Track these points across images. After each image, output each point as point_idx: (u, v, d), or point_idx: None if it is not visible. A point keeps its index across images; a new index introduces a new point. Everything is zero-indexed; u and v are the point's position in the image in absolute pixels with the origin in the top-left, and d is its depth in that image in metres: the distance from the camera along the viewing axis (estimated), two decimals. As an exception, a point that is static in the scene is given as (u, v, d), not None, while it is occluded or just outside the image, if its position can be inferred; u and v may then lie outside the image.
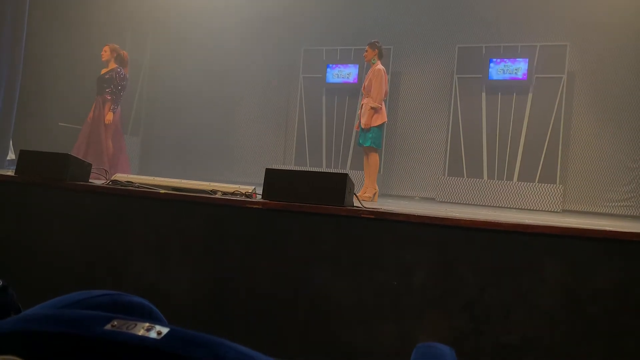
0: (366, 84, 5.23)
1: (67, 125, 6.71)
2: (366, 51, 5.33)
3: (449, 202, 7.45)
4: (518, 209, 7.13)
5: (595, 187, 7.39)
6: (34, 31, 5.86)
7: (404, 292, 2.09)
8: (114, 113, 5.30)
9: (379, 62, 5.26)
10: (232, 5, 8.36)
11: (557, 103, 7.38)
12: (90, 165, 2.99)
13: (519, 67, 7.61)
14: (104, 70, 5.50)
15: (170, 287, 2.44)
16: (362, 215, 2.20)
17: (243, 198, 2.50)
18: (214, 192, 2.60)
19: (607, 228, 2.02)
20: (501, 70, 7.71)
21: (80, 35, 6.65)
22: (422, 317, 2.06)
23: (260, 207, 2.34)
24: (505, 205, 7.33)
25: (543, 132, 7.43)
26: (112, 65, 5.45)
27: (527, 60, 7.54)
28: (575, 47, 7.44)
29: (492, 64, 7.74)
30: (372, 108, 5.06)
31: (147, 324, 0.62)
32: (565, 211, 7.19)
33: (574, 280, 1.90)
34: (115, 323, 0.61)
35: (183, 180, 2.84)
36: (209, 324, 2.36)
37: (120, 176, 2.90)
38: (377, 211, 2.22)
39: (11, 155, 5.53)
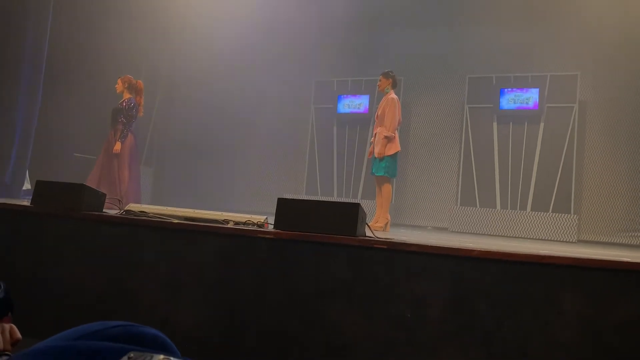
0: (379, 112, 5.24)
1: (82, 156, 6.81)
2: (380, 80, 5.37)
3: (462, 232, 7.37)
4: (532, 239, 7.02)
5: (610, 217, 7.27)
6: (52, 63, 6.02)
7: (419, 325, 2.05)
8: (122, 142, 5.35)
9: (392, 91, 5.29)
10: (245, 39, 8.54)
11: (569, 132, 7.35)
12: (104, 195, 3.02)
13: (529, 97, 7.63)
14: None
15: (182, 317, 2.42)
16: (375, 246, 2.18)
17: (255, 228, 2.50)
18: (226, 221, 2.60)
19: (626, 259, 1.98)
20: (512, 99, 7.73)
21: (96, 67, 6.82)
22: (438, 352, 2.01)
23: (272, 237, 2.33)
24: (519, 236, 7.23)
25: (556, 161, 7.38)
26: (126, 95, 5.57)
27: (538, 89, 7.56)
28: (586, 76, 7.46)
29: (502, 94, 7.77)
30: (385, 137, 5.06)
31: (162, 356, 0.62)
32: (580, 241, 7.07)
33: (594, 312, 1.86)
34: (132, 355, 0.61)
35: (196, 210, 2.85)
36: (221, 356, 2.33)
37: (134, 206, 2.92)
38: (390, 241, 2.20)
39: (27, 186, 5.60)
